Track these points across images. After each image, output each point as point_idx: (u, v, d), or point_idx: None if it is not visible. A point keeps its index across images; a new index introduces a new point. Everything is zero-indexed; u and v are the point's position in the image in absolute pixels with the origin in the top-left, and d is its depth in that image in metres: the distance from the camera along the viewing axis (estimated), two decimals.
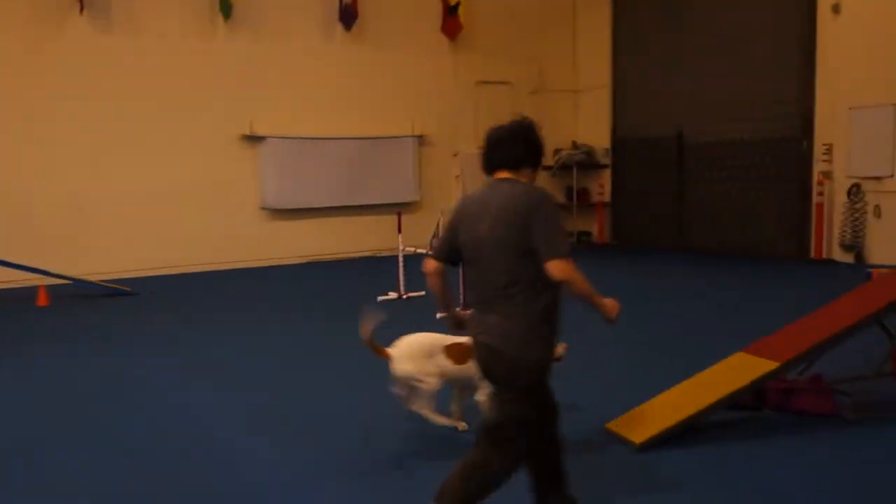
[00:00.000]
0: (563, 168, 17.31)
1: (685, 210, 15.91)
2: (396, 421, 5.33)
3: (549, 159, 17.41)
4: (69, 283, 11.22)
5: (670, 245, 15.97)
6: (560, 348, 4.51)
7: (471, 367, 4.34)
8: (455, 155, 16.33)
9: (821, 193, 13.34)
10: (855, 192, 12.99)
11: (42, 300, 10.59)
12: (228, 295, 11.50)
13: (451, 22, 15.95)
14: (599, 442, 4.94)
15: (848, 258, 13.02)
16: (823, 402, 5.28)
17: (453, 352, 4.91)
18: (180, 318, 9.74)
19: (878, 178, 12.72)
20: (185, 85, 13.55)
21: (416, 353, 4.94)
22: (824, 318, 5.56)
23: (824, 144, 13.42)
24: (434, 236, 10.00)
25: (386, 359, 4.99)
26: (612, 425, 5.03)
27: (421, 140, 16.03)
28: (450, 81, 16.32)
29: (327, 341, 8.26)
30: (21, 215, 12.28)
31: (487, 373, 3.47)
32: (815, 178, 13.49)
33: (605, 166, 17.42)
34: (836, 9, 13.13)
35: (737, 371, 5.15)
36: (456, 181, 16.29)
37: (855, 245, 12.96)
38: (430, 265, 3.66)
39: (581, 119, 17.95)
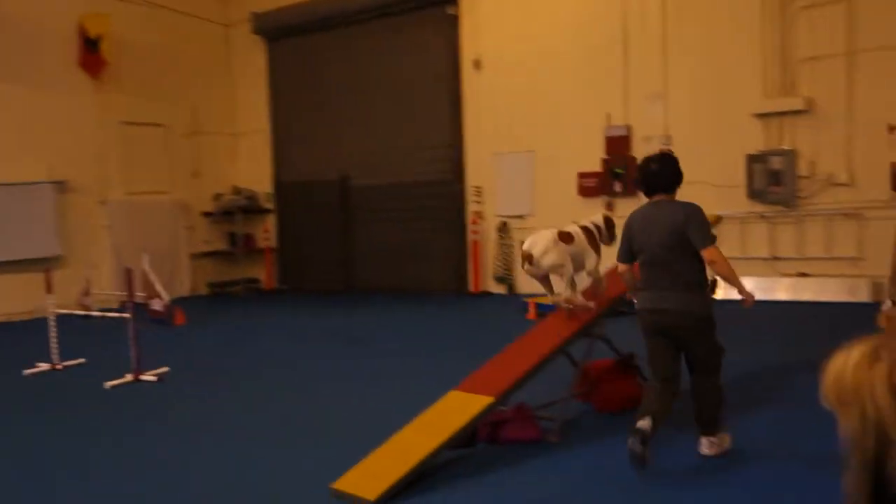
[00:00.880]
0: (226, 214, 16.59)
1: (352, 252, 16.17)
2: None
3: (209, 205, 16.59)
4: None
5: (340, 287, 16.10)
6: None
7: (577, 244, 5.90)
8: (103, 202, 14.75)
9: (475, 232, 14.44)
10: (503, 229, 14.28)
11: None
12: None
13: (91, 58, 14.46)
14: None
15: (501, 290, 14.21)
16: (530, 429, 5.51)
17: (563, 236, 5.86)
18: None
19: (521, 217, 14.12)
20: None
21: (550, 245, 5.74)
22: (524, 349, 5.83)
23: (474, 186, 14.58)
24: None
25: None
26: (339, 485, 4.68)
27: (61, 186, 14.20)
28: (92, 122, 14.75)
29: None
30: None
31: (679, 325, 4.89)
32: (470, 217, 14.57)
33: (268, 211, 17.07)
34: (476, 65, 14.42)
35: (455, 411, 5.15)
36: (106, 231, 14.71)
37: (506, 278, 14.21)
38: (623, 267, 5.19)
39: (241, 163, 17.44)
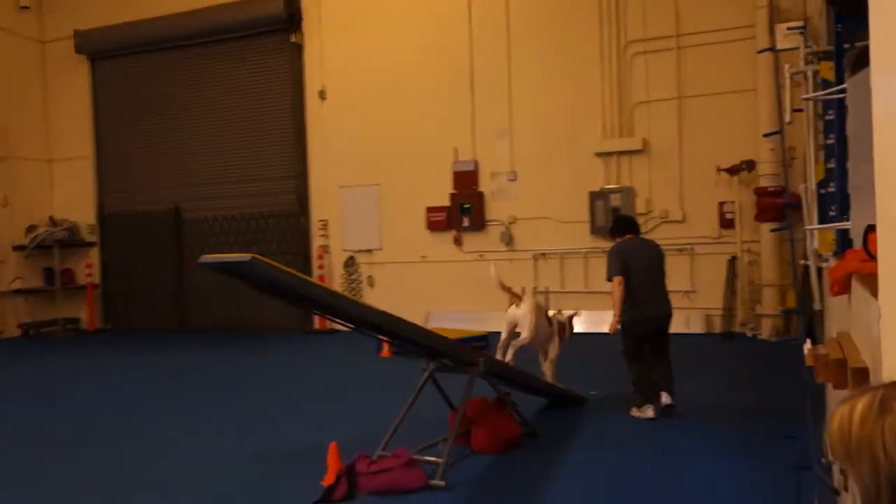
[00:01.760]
0: (41, 247, 15.05)
1: (186, 288, 15.16)
2: None
3: (21, 237, 15.01)
4: None
5: (172, 326, 15.02)
6: None
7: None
8: None
9: (321, 266, 13.98)
10: (350, 263, 13.92)
11: None
12: None
13: None
14: None
15: (348, 327, 13.76)
16: (414, 476, 5.21)
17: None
18: None
19: (369, 251, 13.84)
20: None
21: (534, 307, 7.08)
22: None
23: (320, 220, 14.15)
24: None
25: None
26: None
27: None
28: None
29: None
30: None
31: (663, 327, 6.86)
32: (316, 251, 14.10)
33: (91, 244, 15.68)
34: (322, 95, 14.09)
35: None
36: None
37: None
38: (618, 279, 6.65)
39: (58, 192, 15.95)
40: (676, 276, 11.83)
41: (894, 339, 2.19)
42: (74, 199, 15.73)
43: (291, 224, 14.38)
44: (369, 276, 13.85)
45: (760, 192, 11.00)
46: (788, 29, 6.01)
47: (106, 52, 15.44)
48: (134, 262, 15.48)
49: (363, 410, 7.71)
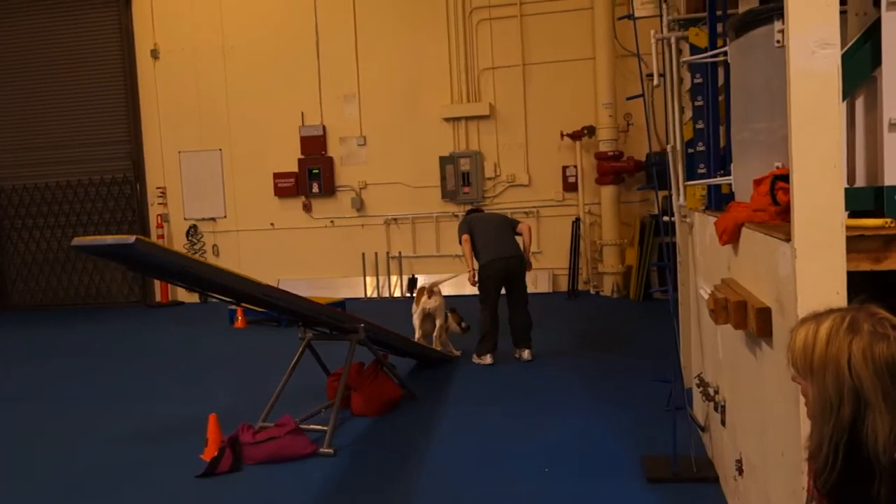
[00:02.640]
0: None
1: (6, 262, 13.87)
2: None
3: None
4: None
5: None
6: None
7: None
8: None
9: (161, 236, 13.23)
10: (193, 232, 13.29)
11: None
12: None
13: None
14: None
15: (194, 298, 13.15)
16: (301, 444, 5.12)
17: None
18: None
19: (213, 219, 13.27)
20: None
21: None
22: None
23: (158, 188, 13.37)
24: None
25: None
26: None
27: None
28: None
29: None
30: None
31: (515, 267, 7.57)
32: (154, 221, 13.32)
33: None
34: (154, 54, 13.23)
35: None
36: None
37: None
38: (465, 237, 7.71)
39: None
40: None
41: (809, 278, 2.41)
42: None
43: (125, 192, 13.49)
44: (214, 245, 13.29)
45: (600, 157, 11.59)
46: None
47: None
48: None
49: (230, 382, 7.45)
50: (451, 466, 4.89)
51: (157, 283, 13.25)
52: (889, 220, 2.50)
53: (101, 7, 13.32)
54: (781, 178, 2.76)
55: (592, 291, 11.92)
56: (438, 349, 7.63)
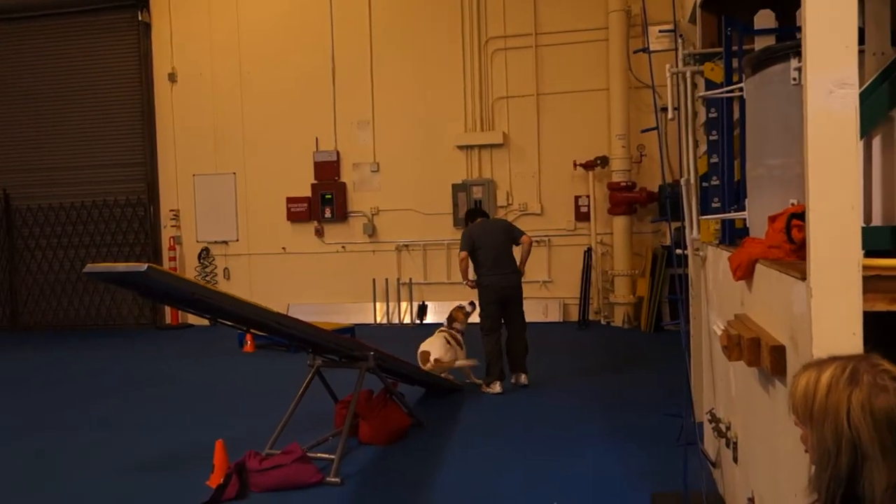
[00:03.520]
0: None
1: (18, 283, 13.96)
2: None
3: None
4: None
5: (2, 323, 13.83)
6: None
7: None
8: None
9: (172, 259, 13.29)
10: (205, 255, 13.34)
11: None
12: None
13: None
14: None
15: (204, 322, 13.18)
16: (308, 472, 5.08)
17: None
18: None
19: (224, 242, 13.32)
20: None
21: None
22: None
23: (172, 210, 13.45)
24: None
25: None
26: None
27: None
28: None
29: None
30: None
31: (514, 295, 7.67)
32: (167, 242, 13.38)
33: None
34: (172, 77, 13.38)
35: None
36: None
37: None
38: (464, 254, 7.71)
39: None
40: (535, 267, 12.27)
41: (825, 317, 2.38)
42: None
43: (139, 214, 13.58)
44: (225, 269, 13.33)
45: (613, 187, 11.59)
46: (661, 31, 6.39)
47: None
48: None
49: (238, 408, 7.43)
50: (459, 500, 4.83)
51: (167, 306, 13.28)
52: None
53: (120, 31, 13.51)
54: (797, 216, 2.74)
55: (603, 321, 11.86)
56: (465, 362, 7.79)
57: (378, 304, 12.73)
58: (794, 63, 3.04)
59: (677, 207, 5.18)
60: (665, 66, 5.21)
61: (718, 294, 4.38)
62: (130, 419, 7.16)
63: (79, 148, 13.62)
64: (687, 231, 5.02)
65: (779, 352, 2.78)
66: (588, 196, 11.99)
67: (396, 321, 12.64)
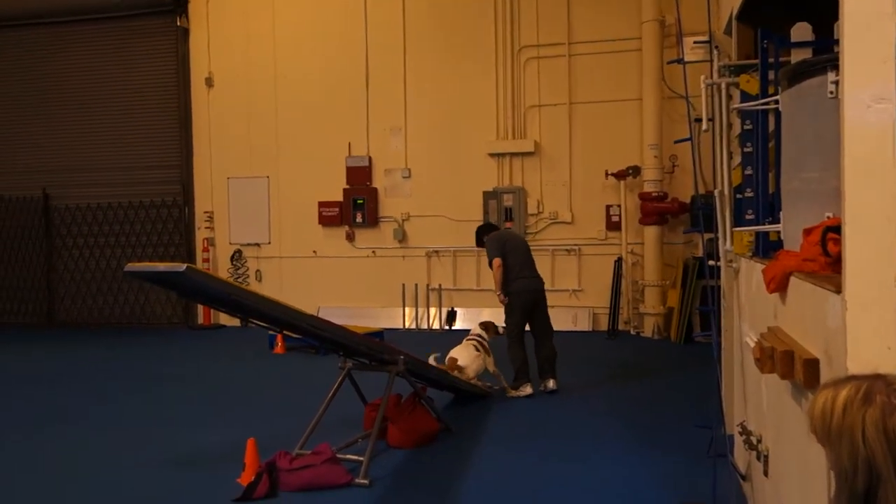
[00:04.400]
0: None
1: (56, 281, 14.25)
2: None
3: None
4: None
5: (39, 321, 14.12)
6: None
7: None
8: None
9: (206, 260, 13.48)
10: (237, 257, 13.52)
11: None
12: None
13: None
14: None
15: (235, 322, 13.31)
16: (337, 473, 5.14)
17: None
18: None
19: (257, 245, 13.49)
20: None
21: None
22: None
23: (206, 212, 13.65)
24: None
25: None
26: None
27: None
28: None
29: None
30: None
31: (542, 299, 7.85)
32: (200, 244, 13.58)
33: None
34: (209, 82, 13.59)
35: None
36: None
37: None
38: (497, 261, 7.72)
39: None
40: (565, 276, 12.29)
41: (860, 331, 2.39)
42: None
43: (174, 215, 13.80)
44: (257, 271, 13.49)
45: (644, 197, 11.55)
46: (695, 42, 6.38)
47: None
48: None
49: (268, 408, 7.53)
50: None
51: (200, 306, 13.47)
52: None
53: (159, 36, 13.76)
54: (833, 229, 2.75)
55: (633, 332, 11.81)
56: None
57: (407, 309, 12.79)
58: (831, 76, 3.05)
59: (710, 218, 5.17)
60: (699, 78, 5.21)
61: (751, 306, 4.37)
62: (163, 416, 7.29)
63: (117, 149, 13.88)
64: (720, 242, 5.01)
65: (812, 365, 2.78)
66: (619, 205, 11.95)
67: (425, 326, 12.69)
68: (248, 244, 13.54)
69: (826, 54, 3.12)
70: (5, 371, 9.98)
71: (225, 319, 13.35)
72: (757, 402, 4.17)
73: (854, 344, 2.38)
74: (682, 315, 10.91)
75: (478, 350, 7.62)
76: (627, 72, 11.90)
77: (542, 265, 12.17)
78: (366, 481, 5.13)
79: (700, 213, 5.70)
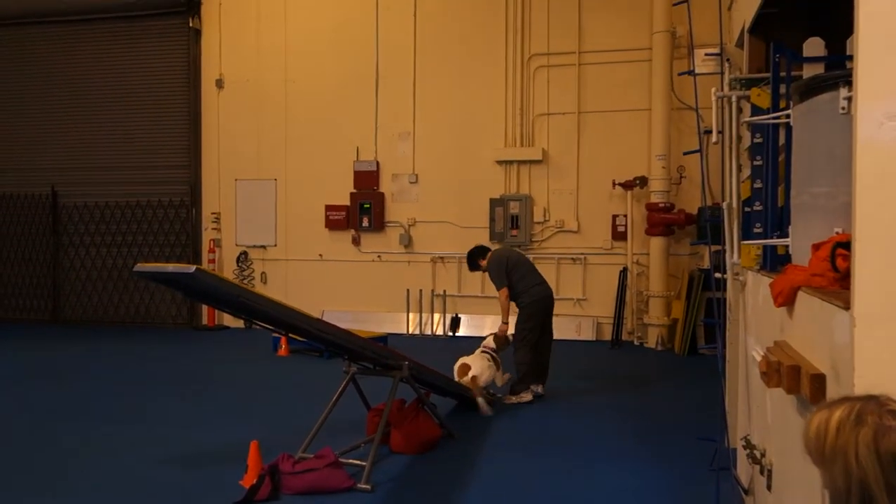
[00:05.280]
0: None
1: (61, 278, 14.29)
2: None
3: None
4: None
5: (44, 318, 14.15)
6: None
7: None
8: None
9: (212, 261, 13.50)
10: (243, 259, 13.54)
11: None
12: None
13: None
14: None
15: (239, 323, 13.31)
16: (339, 478, 5.14)
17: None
18: None
19: (262, 247, 13.51)
20: None
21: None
22: None
23: (213, 213, 13.68)
24: None
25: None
26: None
27: None
28: None
29: None
30: None
31: (553, 304, 8.00)
32: (207, 244, 13.61)
33: None
34: (219, 84, 13.64)
35: None
36: None
37: None
38: (504, 291, 7.70)
39: None
40: (570, 285, 12.28)
41: (868, 347, 2.39)
42: None
43: (181, 216, 13.84)
44: (263, 273, 13.52)
45: (651, 208, 11.55)
46: (707, 55, 6.39)
47: None
48: (2, 247, 14.47)
49: (271, 411, 7.53)
50: None
51: (204, 307, 13.49)
52: None
53: (171, 37, 13.82)
54: (842, 245, 2.75)
55: (636, 342, 11.79)
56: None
57: (411, 315, 12.79)
58: (843, 92, 3.04)
59: (717, 231, 5.17)
60: (709, 90, 5.22)
61: (757, 319, 4.37)
62: (165, 416, 7.30)
63: (125, 149, 13.94)
64: (727, 255, 5.01)
65: (819, 380, 2.77)
66: (625, 215, 11.94)
67: (429, 332, 12.70)
68: (255, 246, 13.57)
69: (838, 70, 3.12)
70: (9, 367, 10.01)
71: (229, 321, 13.37)
72: (761, 416, 4.16)
73: (861, 360, 2.38)
74: (686, 327, 10.89)
75: (489, 363, 7.56)
76: (637, 82, 11.91)
77: (547, 273, 12.16)
78: (368, 486, 5.13)
79: (707, 225, 5.70)
